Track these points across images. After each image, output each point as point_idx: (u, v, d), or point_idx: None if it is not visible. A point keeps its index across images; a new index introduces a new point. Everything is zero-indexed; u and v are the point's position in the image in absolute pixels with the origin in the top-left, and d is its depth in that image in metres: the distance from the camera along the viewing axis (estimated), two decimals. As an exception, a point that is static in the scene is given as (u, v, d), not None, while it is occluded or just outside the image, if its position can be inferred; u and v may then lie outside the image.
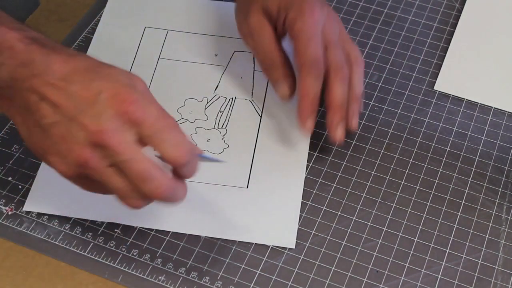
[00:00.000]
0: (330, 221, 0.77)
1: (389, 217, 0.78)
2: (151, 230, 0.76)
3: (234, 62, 0.90)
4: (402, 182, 0.81)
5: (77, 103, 0.63)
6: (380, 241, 0.76)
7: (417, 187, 0.80)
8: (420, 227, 0.77)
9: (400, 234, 0.77)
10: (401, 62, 0.92)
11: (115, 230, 0.76)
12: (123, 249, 0.74)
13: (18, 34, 0.65)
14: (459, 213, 0.79)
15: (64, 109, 0.63)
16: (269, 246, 0.75)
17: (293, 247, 0.75)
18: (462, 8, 0.98)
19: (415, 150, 0.84)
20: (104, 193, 0.67)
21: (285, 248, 0.75)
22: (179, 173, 0.66)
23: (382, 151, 0.83)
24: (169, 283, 0.72)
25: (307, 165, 0.81)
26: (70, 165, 0.64)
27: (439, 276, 0.74)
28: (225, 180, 0.79)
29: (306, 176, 0.80)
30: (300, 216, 0.77)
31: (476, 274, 0.74)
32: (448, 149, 0.84)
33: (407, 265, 0.75)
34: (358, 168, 0.81)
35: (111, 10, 0.95)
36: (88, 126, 0.62)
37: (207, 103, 0.86)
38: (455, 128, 0.86)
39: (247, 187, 0.79)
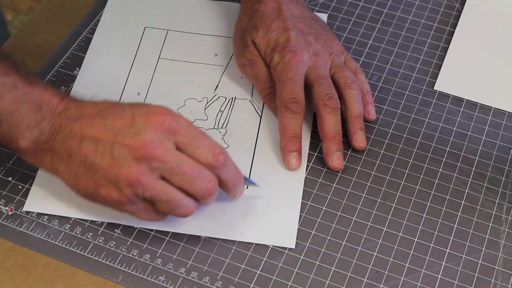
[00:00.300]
0: (330, 221, 0.77)
1: (389, 217, 0.78)
2: (151, 230, 0.76)
3: (234, 62, 0.90)
4: (402, 182, 0.81)
5: (115, 130, 0.69)
6: (380, 241, 0.76)
7: (417, 187, 0.80)
8: (420, 227, 0.77)
9: (400, 234, 0.77)
10: (401, 62, 0.92)
11: (115, 230, 0.76)
12: (123, 249, 0.74)
13: (52, 91, 0.72)
14: (459, 213, 0.79)
15: (104, 140, 0.69)
16: (269, 246, 0.75)
17: (293, 247, 0.75)
18: (462, 8, 0.98)
19: (415, 150, 0.84)
20: (163, 213, 0.73)
21: (285, 248, 0.75)
22: (230, 193, 0.75)
23: (382, 151, 0.83)
24: (169, 283, 0.72)
25: (307, 165, 0.81)
26: (123, 188, 0.69)
27: (439, 276, 0.74)
28: (225, 180, 0.79)
29: (306, 176, 0.81)
30: (300, 216, 0.77)
31: (476, 274, 0.74)
32: (448, 149, 0.84)
33: (407, 265, 0.75)
34: (358, 168, 0.81)
35: (111, 10, 0.95)
36: (130, 144, 0.68)
37: (207, 103, 0.86)
38: (455, 128, 0.86)
39: (247, 187, 0.79)
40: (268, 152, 0.82)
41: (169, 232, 0.76)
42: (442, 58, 0.92)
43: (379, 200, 0.79)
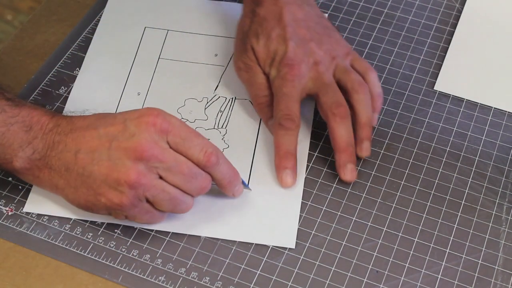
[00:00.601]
0: (330, 221, 0.77)
1: (389, 217, 0.78)
2: (151, 230, 0.76)
3: (234, 62, 0.90)
4: (402, 182, 0.81)
5: (109, 137, 0.70)
6: (380, 241, 0.76)
7: (417, 187, 0.80)
8: (420, 227, 0.77)
9: (400, 234, 0.77)
10: (401, 62, 0.92)
11: (115, 230, 0.76)
12: (123, 250, 0.74)
13: (41, 111, 0.73)
14: (459, 213, 0.79)
15: (100, 148, 0.70)
16: (269, 246, 0.75)
17: (293, 247, 0.75)
18: (462, 8, 0.98)
19: (415, 150, 0.84)
20: (163, 214, 0.74)
21: (285, 248, 0.75)
22: (228, 192, 0.76)
23: (382, 151, 0.83)
24: (169, 283, 0.72)
25: (307, 165, 0.81)
26: (124, 191, 0.69)
27: (439, 276, 0.74)
28: (225, 180, 0.79)
29: (306, 176, 0.81)
30: (300, 216, 0.78)
31: (476, 274, 0.74)
32: (448, 149, 0.84)
33: (407, 265, 0.75)
34: (358, 168, 0.81)
35: (111, 10, 0.95)
36: (126, 147, 0.69)
37: (207, 103, 0.86)
38: (455, 128, 0.86)
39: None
40: (268, 152, 0.82)
41: (169, 232, 0.76)
42: (442, 58, 0.92)
43: (379, 200, 0.79)
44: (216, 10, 0.95)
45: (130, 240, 0.75)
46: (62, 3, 0.96)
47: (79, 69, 0.88)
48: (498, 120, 0.87)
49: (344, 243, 0.76)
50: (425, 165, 0.82)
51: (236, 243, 0.75)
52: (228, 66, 0.90)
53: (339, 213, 0.78)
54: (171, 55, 0.90)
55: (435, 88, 0.89)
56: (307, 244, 0.76)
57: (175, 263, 0.74)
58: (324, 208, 0.78)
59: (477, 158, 0.83)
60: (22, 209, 0.77)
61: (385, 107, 0.87)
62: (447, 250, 0.76)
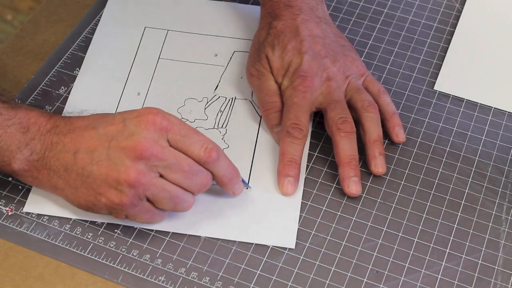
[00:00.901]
0: (330, 221, 0.77)
1: (389, 217, 0.78)
2: (151, 230, 0.76)
3: (234, 62, 0.90)
4: (402, 182, 0.81)
5: (109, 137, 0.70)
6: (380, 241, 0.76)
7: (417, 187, 0.80)
8: (420, 227, 0.77)
9: (400, 234, 0.77)
10: (401, 62, 0.92)
11: (115, 230, 0.76)
12: (123, 250, 0.74)
13: (38, 112, 0.73)
14: (459, 213, 0.79)
15: (99, 148, 0.70)
16: (269, 246, 0.75)
17: (293, 247, 0.75)
18: (462, 8, 0.98)
19: (415, 150, 0.84)
20: (163, 213, 0.74)
21: (285, 248, 0.75)
22: (228, 190, 0.76)
23: (382, 151, 0.83)
24: (169, 283, 0.72)
25: (307, 165, 0.81)
26: (124, 190, 0.69)
27: (439, 276, 0.74)
28: (225, 180, 0.79)
29: (306, 176, 0.81)
30: (300, 216, 0.78)
31: (476, 274, 0.74)
32: (448, 149, 0.84)
33: (407, 265, 0.75)
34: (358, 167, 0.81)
35: (111, 10, 0.95)
36: (126, 146, 0.69)
37: (207, 103, 0.86)
38: (455, 128, 0.86)
39: (247, 188, 0.79)
40: (268, 152, 0.82)
41: (169, 232, 0.76)
42: (442, 58, 0.92)
43: (379, 200, 0.79)
44: (216, 10, 0.95)
45: (130, 240, 0.75)
46: (62, 3, 0.96)
47: (79, 69, 0.88)
48: (498, 120, 0.87)
49: (344, 243, 0.76)
50: (425, 165, 0.82)
51: (236, 243, 0.75)
52: (228, 66, 0.90)
53: (339, 213, 0.78)
54: (171, 55, 0.90)
55: (435, 88, 0.89)
56: (307, 244, 0.76)
57: (175, 263, 0.74)
58: (324, 208, 0.78)
59: (477, 158, 0.83)
60: (22, 209, 0.77)
61: (385, 107, 0.87)
62: (447, 250, 0.76)
